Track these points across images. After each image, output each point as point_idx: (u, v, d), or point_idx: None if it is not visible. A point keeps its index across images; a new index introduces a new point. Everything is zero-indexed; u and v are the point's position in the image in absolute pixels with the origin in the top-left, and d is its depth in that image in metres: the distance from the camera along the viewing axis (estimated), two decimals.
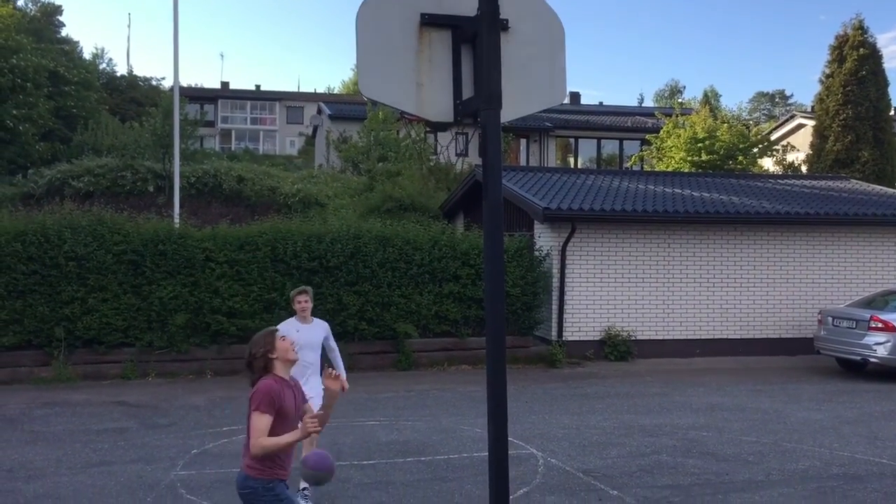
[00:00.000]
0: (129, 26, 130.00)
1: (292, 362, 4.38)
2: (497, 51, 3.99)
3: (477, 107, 4.04)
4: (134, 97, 48.49)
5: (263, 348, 4.28)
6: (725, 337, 16.31)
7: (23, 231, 13.10)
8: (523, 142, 36.54)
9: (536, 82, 4.29)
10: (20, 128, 30.72)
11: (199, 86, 68.83)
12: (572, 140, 38.40)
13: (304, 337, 7.15)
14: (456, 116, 4.18)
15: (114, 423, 10.04)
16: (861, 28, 26.87)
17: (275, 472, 4.24)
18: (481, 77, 4.02)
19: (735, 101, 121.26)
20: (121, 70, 55.58)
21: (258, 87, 70.42)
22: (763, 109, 74.36)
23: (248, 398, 4.25)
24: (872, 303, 14.57)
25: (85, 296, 13.18)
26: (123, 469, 7.98)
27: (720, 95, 66.93)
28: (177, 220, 16.40)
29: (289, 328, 6.98)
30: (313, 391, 6.87)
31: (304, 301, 7.41)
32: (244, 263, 13.85)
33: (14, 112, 30.52)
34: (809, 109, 32.92)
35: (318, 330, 7.51)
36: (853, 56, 26.37)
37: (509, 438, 4.07)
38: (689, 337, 16.14)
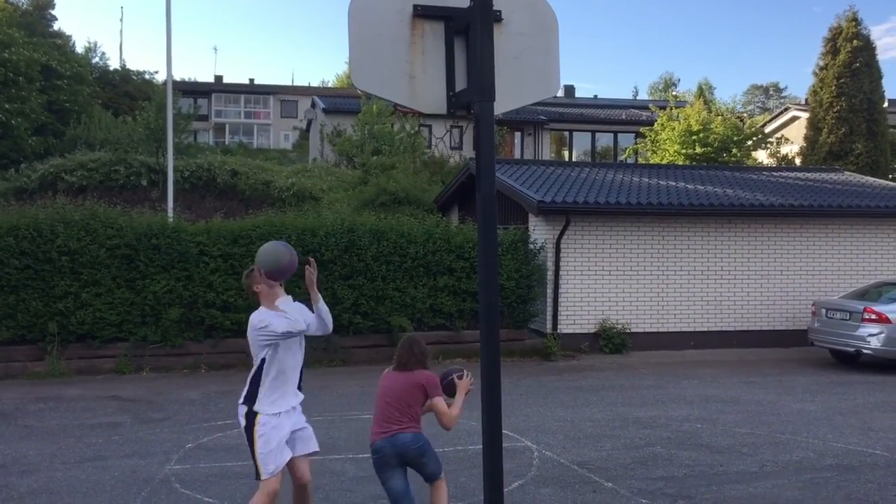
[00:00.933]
0: (121, 20, 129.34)
1: None
2: (490, 42, 3.98)
3: (470, 99, 4.03)
4: (127, 91, 48.28)
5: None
6: (720, 329, 16.35)
7: (15, 225, 13.05)
8: (517, 135, 36.55)
9: (530, 74, 4.28)
10: (13, 122, 30.59)
11: (192, 79, 68.49)
12: (567, 133, 38.42)
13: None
14: (449, 108, 4.17)
15: (108, 418, 10.03)
16: (855, 20, 26.92)
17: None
18: (474, 69, 4.00)
19: (729, 93, 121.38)
20: (114, 64, 55.23)
21: (252, 80, 70.15)
22: (757, 102, 74.46)
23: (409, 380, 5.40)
24: (866, 294, 14.61)
25: (78, 290, 13.14)
26: (118, 464, 7.96)
27: (714, 88, 67.00)
28: (170, 215, 16.37)
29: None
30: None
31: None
32: (238, 257, 13.82)
33: (6, 106, 30.39)
34: (803, 102, 32.99)
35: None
36: (847, 48, 26.43)
37: (504, 431, 4.07)
38: (684, 329, 16.18)
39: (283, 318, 5.08)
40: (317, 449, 5.56)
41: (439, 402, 5.35)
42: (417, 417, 5.36)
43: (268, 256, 5.09)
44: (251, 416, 5.19)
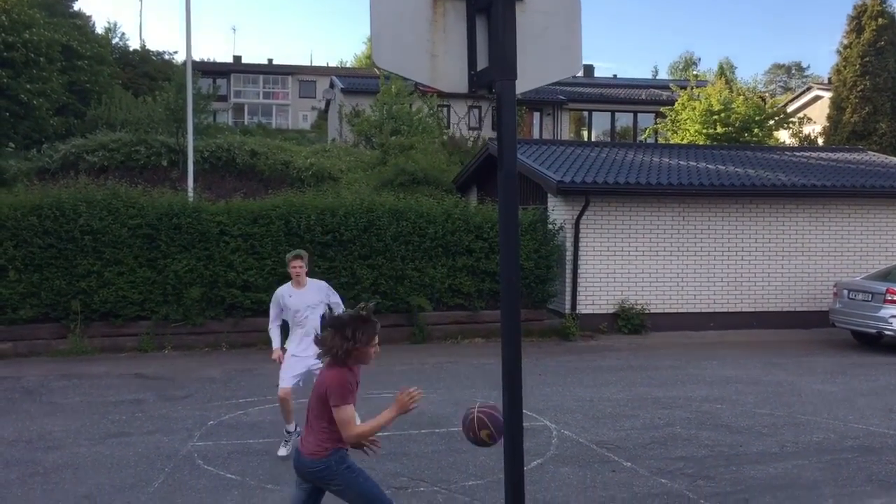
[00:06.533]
0: (141, 0, 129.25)
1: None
2: (512, 21, 3.95)
3: (492, 78, 4.01)
4: (147, 71, 48.41)
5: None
6: (740, 310, 16.27)
7: (39, 205, 13.19)
8: (536, 115, 36.36)
9: (552, 53, 4.25)
10: (34, 102, 30.78)
11: (211, 60, 68.67)
12: (586, 113, 38.18)
13: (296, 301, 7.52)
14: (470, 87, 4.14)
15: (131, 395, 10.15)
16: None
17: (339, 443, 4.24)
18: (496, 47, 3.98)
19: (751, 72, 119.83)
20: (133, 44, 55.64)
21: (270, 60, 70.18)
22: (779, 81, 73.53)
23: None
24: (888, 275, 14.47)
25: (101, 269, 13.28)
26: (141, 440, 8.08)
27: (735, 67, 66.16)
28: (191, 194, 16.45)
29: (282, 293, 7.59)
30: (309, 351, 7.16)
31: (297, 266, 7.54)
32: (258, 237, 13.90)
33: (28, 86, 30.56)
34: (826, 81, 32.61)
35: (313, 293, 7.59)
36: (872, 26, 26.05)
37: (523, 410, 4.09)
38: (704, 310, 16.12)
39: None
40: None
41: (338, 410, 4.13)
42: (323, 430, 4.25)
43: None
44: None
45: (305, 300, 7.47)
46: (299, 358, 7.43)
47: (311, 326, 7.13)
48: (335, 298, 7.70)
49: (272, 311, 7.69)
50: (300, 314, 7.48)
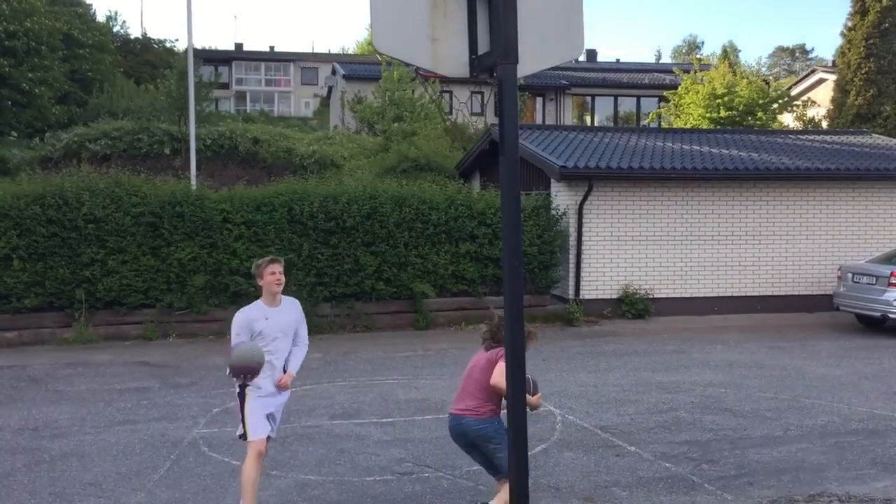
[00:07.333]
0: None
1: None
2: (513, 3, 3.93)
3: (493, 62, 3.98)
4: (148, 59, 48.38)
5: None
6: (744, 294, 16.25)
7: (42, 194, 13.18)
8: (539, 100, 36.27)
9: (553, 36, 4.22)
10: (36, 91, 30.79)
11: (212, 47, 68.44)
12: (589, 98, 38.08)
13: (272, 325, 5.76)
14: (471, 72, 4.12)
15: (136, 383, 10.18)
16: None
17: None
18: (497, 31, 3.95)
19: (754, 56, 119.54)
20: (135, 32, 55.48)
21: (272, 48, 69.97)
22: (783, 64, 73.19)
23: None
24: (893, 258, 14.44)
25: (104, 258, 13.28)
26: (147, 427, 8.11)
27: (739, 51, 65.95)
28: (194, 182, 16.45)
29: (254, 316, 5.79)
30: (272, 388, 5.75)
31: (277, 273, 5.83)
32: (261, 224, 13.89)
33: (30, 75, 30.56)
34: (830, 64, 32.44)
35: (289, 312, 5.91)
36: (876, 8, 25.84)
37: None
38: (708, 294, 16.09)
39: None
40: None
41: (500, 364, 5.17)
42: (490, 398, 5.26)
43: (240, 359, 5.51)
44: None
45: (281, 322, 5.76)
46: (265, 399, 5.70)
47: (278, 356, 5.76)
48: (303, 331, 6.01)
49: (236, 341, 5.74)
50: (274, 340, 5.73)
